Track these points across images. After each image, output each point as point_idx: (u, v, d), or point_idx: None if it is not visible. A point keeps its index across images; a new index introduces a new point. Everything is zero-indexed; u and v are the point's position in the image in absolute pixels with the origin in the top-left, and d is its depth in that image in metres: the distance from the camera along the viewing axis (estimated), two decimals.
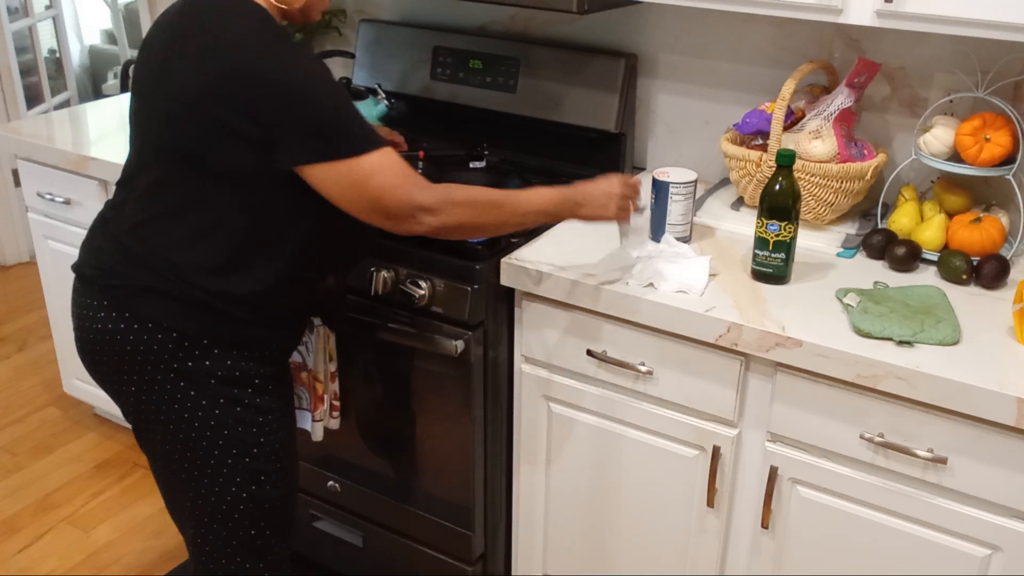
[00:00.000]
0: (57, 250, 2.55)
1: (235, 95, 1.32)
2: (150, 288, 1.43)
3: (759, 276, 1.66)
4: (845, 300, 1.56)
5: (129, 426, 2.85)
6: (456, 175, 2.04)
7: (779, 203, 1.60)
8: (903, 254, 1.71)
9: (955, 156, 1.73)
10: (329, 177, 1.36)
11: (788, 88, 1.76)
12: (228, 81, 1.32)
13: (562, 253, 1.76)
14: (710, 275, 1.66)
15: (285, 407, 1.58)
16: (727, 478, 1.67)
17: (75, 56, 5.08)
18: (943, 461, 1.44)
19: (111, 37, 5.41)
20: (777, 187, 1.60)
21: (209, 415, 1.46)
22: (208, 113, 1.34)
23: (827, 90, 1.91)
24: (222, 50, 1.34)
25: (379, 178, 1.37)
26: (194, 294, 1.42)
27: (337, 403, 1.82)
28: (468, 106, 2.26)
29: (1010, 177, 1.71)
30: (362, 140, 1.36)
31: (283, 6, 1.44)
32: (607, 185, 1.57)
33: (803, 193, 1.71)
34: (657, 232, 1.79)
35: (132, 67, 3.87)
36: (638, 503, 1.78)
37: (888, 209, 1.87)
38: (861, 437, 1.50)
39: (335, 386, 1.79)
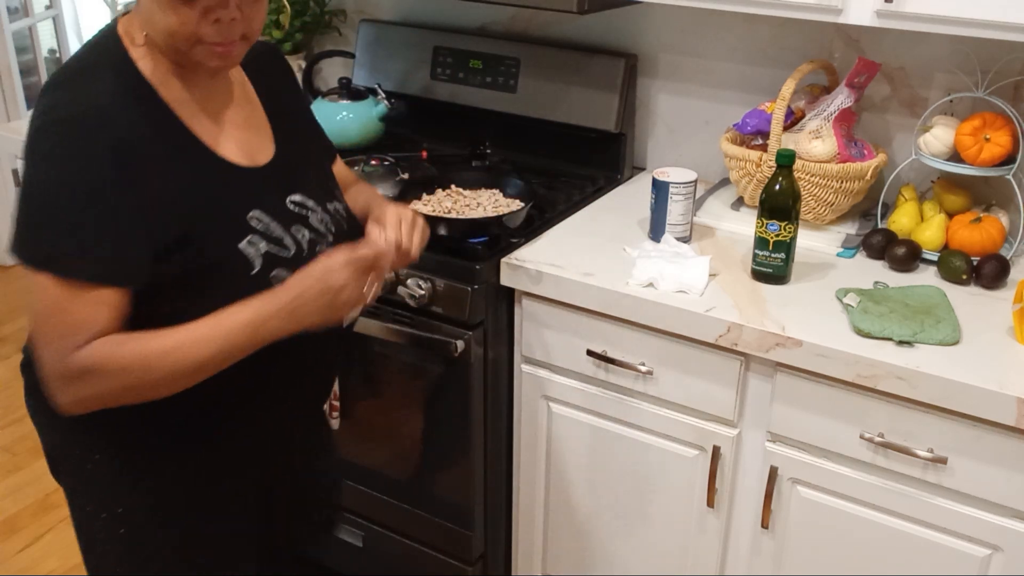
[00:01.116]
0: None
1: None
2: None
3: (759, 276, 1.66)
4: (845, 300, 1.56)
5: None
6: (457, 175, 2.04)
7: (779, 203, 1.60)
8: (903, 254, 1.70)
9: (955, 156, 1.73)
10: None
11: (788, 88, 1.76)
12: None
13: (562, 253, 1.76)
14: (710, 275, 1.66)
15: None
16: (727, 478, 1.67)
17: None
18: (943, 461, 1.44)
19: None
20: (777, 187, 1.60)
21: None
22: None
23: (827, 90, 1.91)
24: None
25: (39, 310, 1.11)
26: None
27: (337, 403, 1.82)
28: (468, 106, 2.26)
29: (1010, 177, 1.71)
30: (46, 257, 1.09)
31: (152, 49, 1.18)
32: (326, 275, 1.18)
33: (803, 193, 1.71)
34: (657, 232, 1.79)
35: None
36: (638, 503, 1.78)
37: (888, 209, 1.87)
38: (861, 437, 1.50)
39: (335, 386, 1.79)
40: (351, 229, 1.36)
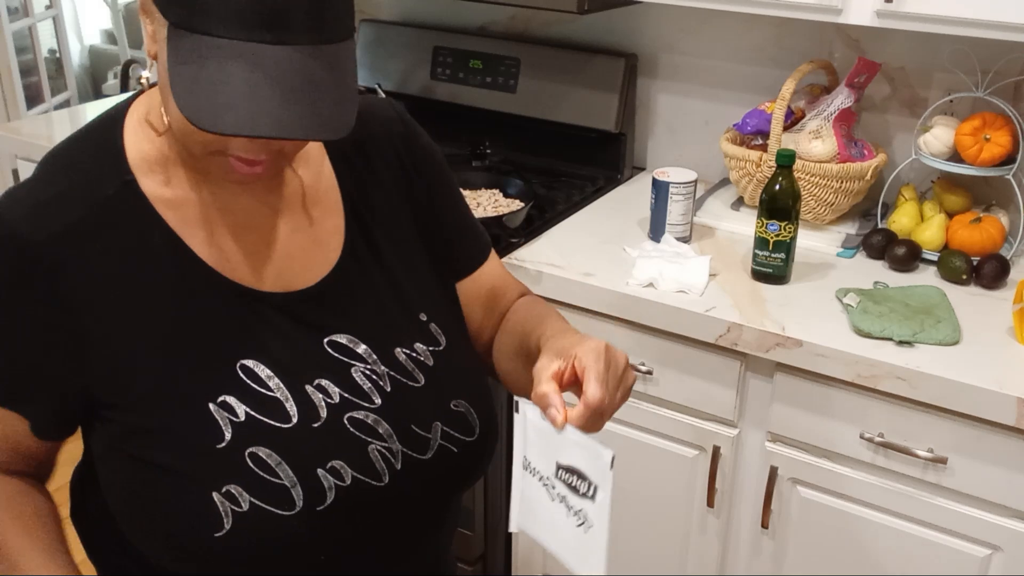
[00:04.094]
0: None
1: None
2: None
3: (759, 276, 1.66)
4: (845, 300, 1.56)
5: None
6: (457, 175, 2.03)
7: (779, 203, 1.60)
8: (903, 254, 1.70)
9: (955, 156, 1.73)
10: None
11: (788, 88, 1.76)
12: None
13: (562, 253, 1.76)
14: (710, 275, 1.66)
15: None
16: (727, 478, 1.67)
17: (75, 56, 5.08)
18: (943, 461, 1.44)
19: (111, 37, 5.40)
20: (777, 187, 1.60)
21: None
22: None
23: (827, 90, 1.91)
24: None
25: None
26: None
27: None
28: (468, 106, 2.26)
29: (1010, 177, 1.71)
30: None
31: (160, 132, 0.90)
32: None
33: (803, 193, 1.71)
34: (657, 232, 1.79)
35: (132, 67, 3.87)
36: (638, 503, 1.78)
37: (888, 209, 1.87)
38: (861, 437, 1.50)
39: None
40: (441, 381, 0.98)
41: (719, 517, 1.70)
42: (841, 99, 1.80)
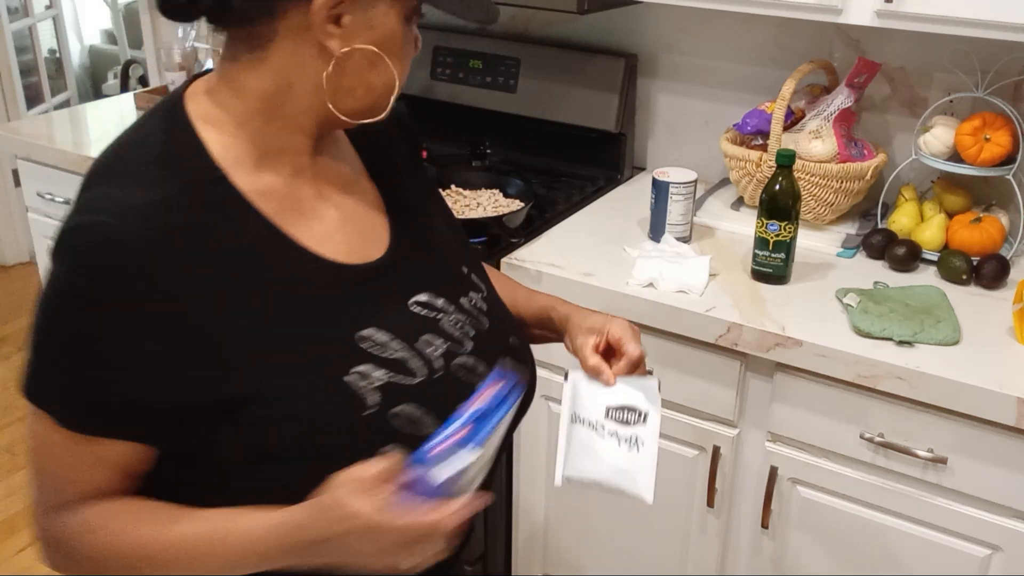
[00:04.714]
0: None
1: None
2: None
3: (759, 276, 1.66)
4: (845, 300, 1.56)
5: None
6: (457, 175, 2.04)
7: (779, 203, 1.60)
8: (903, 254, 1.70)
9: (955, 156, 1.73)
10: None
11: (788, 88, 1.76)
12: None
13: (562, 253, 1.76)
14: (710, 275, 1.66)
15: None
16: (727, 478, 1.67)
17: (75, 56, 5.08)
18: (943, 461, 1.44)
19: (111, 37, 5.40)
20: (777, 187, 1.60)
21: None
22: None
23: (827, 90, 1.91)
24: None
25: (33, 448, 0.95)
26: None
27: None
28: (468, 106, 2.26)
29: (1010, 177, 1.71)
30: (38, 393, 0.90)
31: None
32: (373, 535, 0.82)
33: (803, 193, 1.71)
34: (657, 232, 1.79)
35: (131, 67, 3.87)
36: (638, 503, 1.78)
37: (888, 209, 1.87)
38: (861, 437, 1.50)
39: None
40: (498, 322, 1.08)
41: (719, 517, 1.70)
42: (841, 99, 1.80)
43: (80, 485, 0.89)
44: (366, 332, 0.93)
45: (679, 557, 1.78)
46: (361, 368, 0.91)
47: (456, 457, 0.83)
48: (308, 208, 0.96)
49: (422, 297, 1.00)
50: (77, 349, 0.85)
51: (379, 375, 0.91)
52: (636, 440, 1.04)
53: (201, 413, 0.87)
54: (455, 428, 0.84)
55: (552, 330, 1.20)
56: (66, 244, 0.84)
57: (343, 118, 0.93)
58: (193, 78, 0.97)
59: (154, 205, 0.85)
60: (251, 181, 0.92)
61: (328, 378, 0.90)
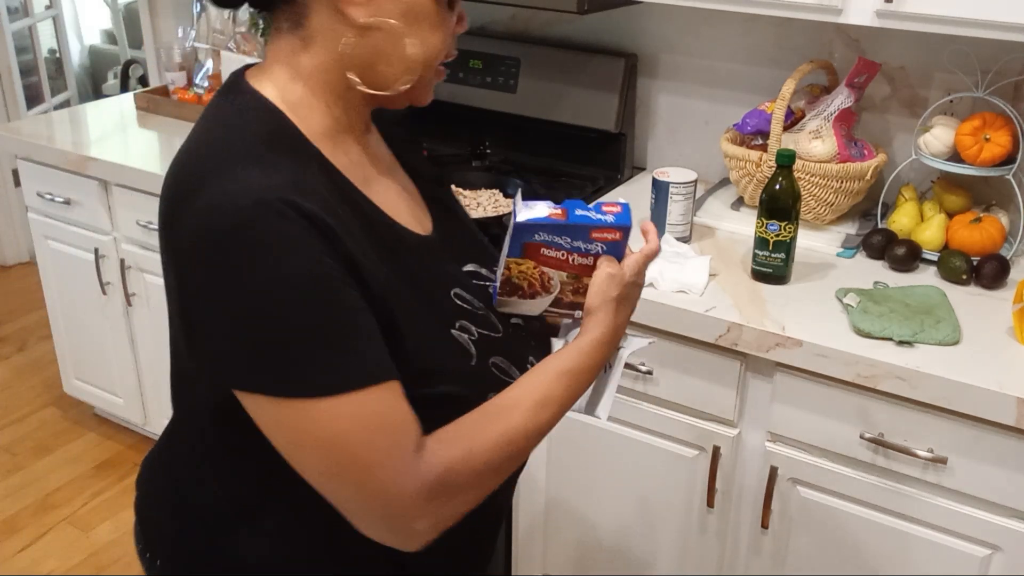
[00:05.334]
0: (57, 250, 2.55)
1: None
2: None
3: (759, 276, 1.66)
4: (845, 300, 1.56)
5: (129, 425, 2.79)
6: (457, 175, 2.04)
7: (779, 203, 1.60)
8: (903, 254, 1.71)
9: (955, 156, 1.73)
10: (270, 418, 0.86)
11: (788, 88, 1.76)
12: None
13: None
14: (710, 275, 1.66)
15: None
16: (727, 478, 1.67)
17: (75, 56, 5.08)
18: (943, 461, 1.44)
19: (111, 37, 5.40)
20: (777, 187, 1.60)
21: None
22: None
23: (827, 90, 1.91)
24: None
25: (349, 439, 0.85)
26: None
27: None
28: (468, 106, 2.26)
29: (1010, 177, 1.71)
30: (329, 375, 0.84)
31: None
32: (631, 287, 1.04)
33: (803, 193, 1.71)
34: (657, 232, 1.79)
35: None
36: (638, 503, 1.78)
37: (888, 209, 1.87)
38: (861, 437, 1.50)
39: None
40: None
41: (719, 517, 1.70)
42: (841, 99, 1.80)
43: (413, 425, 0.88)
44: (456, 291, 1.00)
45: (679, 557, 1.78)
46: (461, 322, 0.98)
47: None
48: (377, 182, 1.00)
49: (470, 267, 1.07)
50: (329, 302, 0.84)
51: (474, 329, 0.99)
52: (608, 366, 1.08)
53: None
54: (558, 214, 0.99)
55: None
56: (255, 215, 0.82)
57: (384, 94, 0.95)
58: (243, 69, 0.98)
59: (297, 184, 0.86)
60: (340, 157, 0.96)
61: (443, 334, 0.96)
